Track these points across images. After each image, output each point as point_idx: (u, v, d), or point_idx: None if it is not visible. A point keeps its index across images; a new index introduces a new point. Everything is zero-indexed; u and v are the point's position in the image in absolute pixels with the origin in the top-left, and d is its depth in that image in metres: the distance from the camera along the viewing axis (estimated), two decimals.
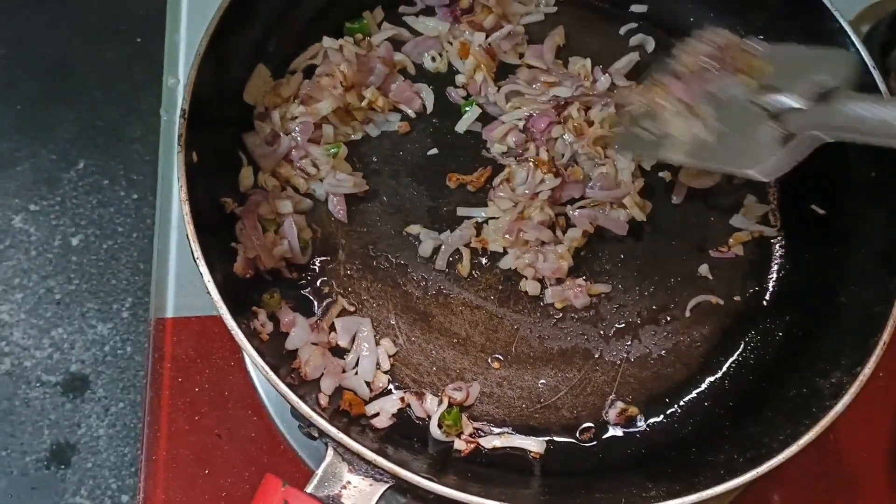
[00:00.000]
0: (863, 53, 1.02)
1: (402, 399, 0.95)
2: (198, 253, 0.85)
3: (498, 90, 1.10)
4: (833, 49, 1.02)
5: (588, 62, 1.13)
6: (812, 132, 0.88)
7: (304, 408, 0.81)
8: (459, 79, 1.12)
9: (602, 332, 1.03)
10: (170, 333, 1.08)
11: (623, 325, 1.03)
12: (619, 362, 1.02)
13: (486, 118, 1.10)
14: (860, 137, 0.85)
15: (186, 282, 1.11)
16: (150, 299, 1.14)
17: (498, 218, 1.03)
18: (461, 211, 1.05)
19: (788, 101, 0.90)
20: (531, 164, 1.03)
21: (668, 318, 1.04)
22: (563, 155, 1.06)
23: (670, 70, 0.99)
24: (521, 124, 1.08)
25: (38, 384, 1.15)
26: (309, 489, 0.79)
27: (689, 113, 0.96)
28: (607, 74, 1.12)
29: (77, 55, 1.35)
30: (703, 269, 1.06)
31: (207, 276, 0.85)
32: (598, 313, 1.04)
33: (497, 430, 0.97)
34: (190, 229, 0.86)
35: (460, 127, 1.10)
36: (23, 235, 1.23)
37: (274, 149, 1.02)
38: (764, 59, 0.97)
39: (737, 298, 1.06)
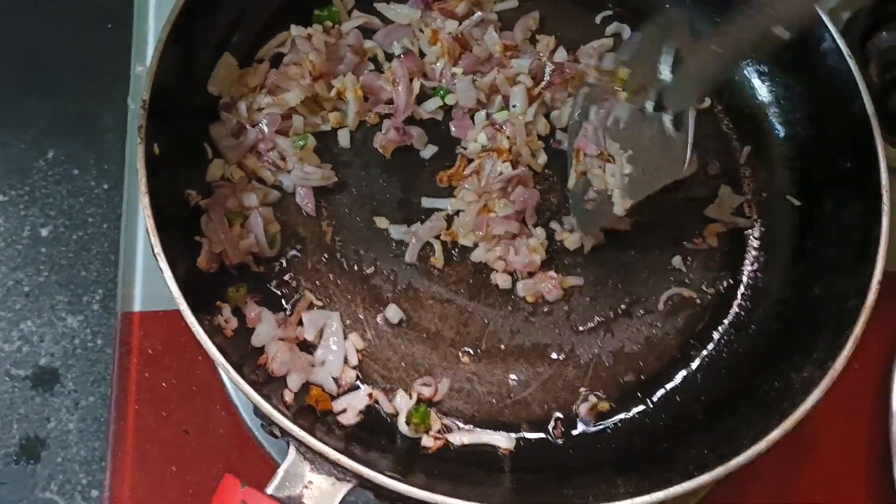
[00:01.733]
0: (837, 39, 1.00)
1: (371, 395, 0.94)
2: (158, 248, 0.84)
3: (462, 73, 1.08)
4: (659, 14, 1.04)
5: (552, 39, 1.12)
6: (684, 103, 0.94)
7: (266, 406, 0.80)
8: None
9: (573, 326, 1.02)
10: (137, 327, 1.07)
11: (595, 318, 1.02)
12: (590, 357, 1.01)
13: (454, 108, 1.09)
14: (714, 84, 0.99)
15: (154, 275, 1.07)
16: (117, 292, 1.13)
17: (464, 211, 1.02)
18: (426, 202, 1.04)
19: (654, 88, 0.97)
20: (494, 154, 1.02)
21: (641, 312, 1.03)
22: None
23: (574, 130, 1.03)
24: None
25: (6, 378, 1.14)
26: (269, 490, 0.78)
27: (604, 160, 0.99)
28: (562, 48, 1.11)
29: (51, 43, 1.32)
30: (677, 261, 1.05)
31: (168, 272, 0.84)
32: (570, 307, 1.02)
33: (466, 427, 0.96)
34: (150, 224, 0.84)
35: (424, 109, 1.08)
36: None
37: (240, 141, 1.00)
38: (620, 67, 1.02)
39: (710, 291, 1.05)
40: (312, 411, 0.91)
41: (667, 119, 0.96)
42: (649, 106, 0.98)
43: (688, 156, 0.95)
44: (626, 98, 1.00)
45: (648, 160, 0.97)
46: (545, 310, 1.02)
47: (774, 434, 0.84)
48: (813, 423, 1.06)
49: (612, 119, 1.00)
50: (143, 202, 0.85)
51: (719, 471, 0.83)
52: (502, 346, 1.00)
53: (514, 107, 1.07)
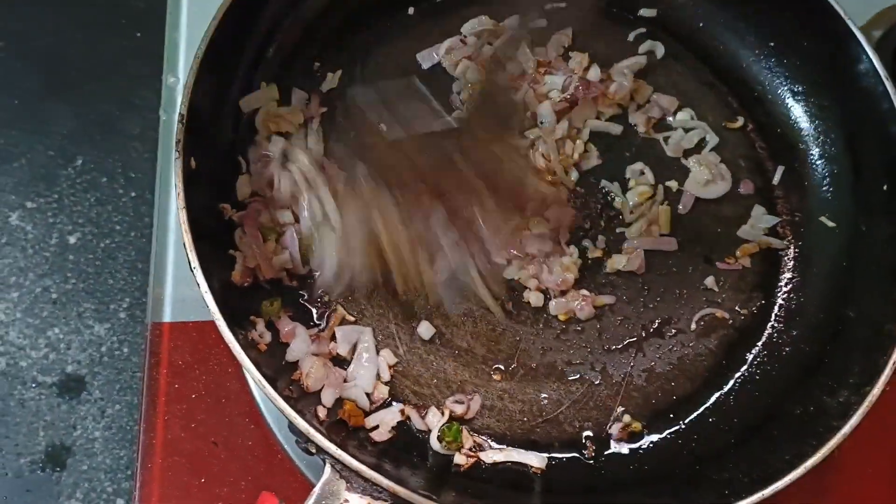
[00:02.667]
0: (873, 60, 1.00)
1: (402, 412, 0.93)
2: (195, 263, 0.84)
3: None
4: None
5: (586, 56, 1.12)
6: None
7: (303, 423, 0.80)
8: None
9: (605, 345, 1.01)
10: (167, 339, 1.06)
11: (627, 337, 1.02)
12: (622, 376, 1.00)
13: None
14: None
15: (184, 286, 1.09)
16: (147, 300, 1.13)
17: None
18: None
19: None
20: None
21: (673, 332, 1.02)
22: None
23: None
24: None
25: (33, 385, 1.14)
26: None
27: None
28: (596, 66, 1.11)
29: (76, 49, 1.32)
30: (710, 282, 1.05)
31: (205, 287, 0.83)
32: (602, 325, 1.02)
33: (497, 445, 0.95)
34: (187, 239, 0.84)
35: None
36: (19, 233, 1.21)
37: (270, 169, 1.00)
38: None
39: (743, 312, 1.04)
40: (345, 427, 0.91)
41: None
42: None
43: None
44: None
45: None
46: (577, 328, 1.02)
47: (812, 461, 0.84)
48: (841, 446, 1.06)
49: None
50: (182, 217, 0.84)
51: (755, 497, 0.83)
52: (534, 365, 1.00)
53: (541, 123, 1.07)
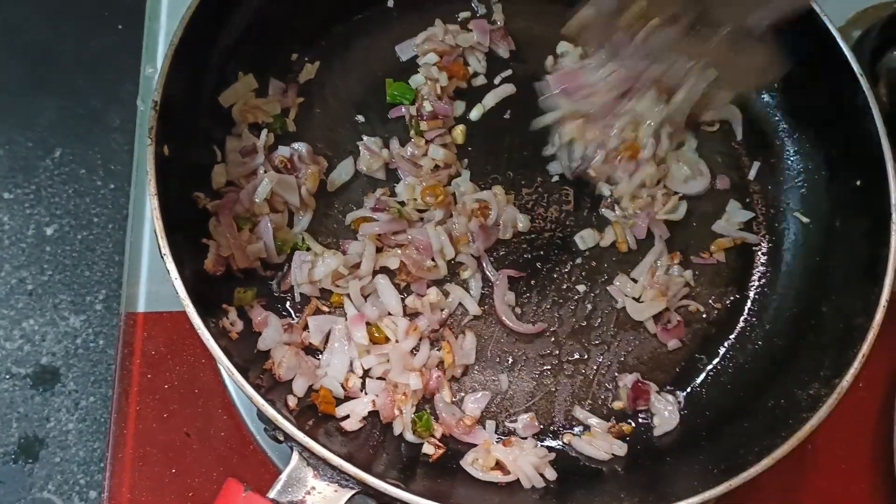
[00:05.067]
0: (849, 58, 1.00)
1: (374, 402, 0.93)
2: (165, 249, 0.83)
3: None
4: None
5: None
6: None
7: (270, 410, 0.80)
8: None
9: (581, 339, 1.01)
10: (141, 328, 1.06)
11: (601, 331, 1.02)
12: (595, 368, 1.00)
13: None
14: None
15: (159, 275, 1.08)
16: (122, 291, 1.12)
17: None
18: None
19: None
20: None
21: (645, 325, 1.03)
22: None
23: None
24: None
25: (7, 376, 1.13)
26: (271, 494, 0.77)
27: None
28: None
29: (61, 42, 1.32)
30: (687, 276, 1.05)
31: (175, 273, 0.83)
32: (576, 317, 1.02)
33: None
34: (158, 225, 0.84)
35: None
36: None
37: (246, 161, 1.00)
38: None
39: (717, 305, 1.05)
40: (315, 415, 0.91)
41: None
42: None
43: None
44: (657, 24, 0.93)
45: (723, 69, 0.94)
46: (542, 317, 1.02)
47: (780, 451, 0.84)
48: (816, 441, 1.07)
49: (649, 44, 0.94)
50: (153, 203, 0.84)
51: (723, 487, 0.83)
52: (503, 355, 1.00)
53: None
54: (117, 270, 1.18)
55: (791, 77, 1.08)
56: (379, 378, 0.96)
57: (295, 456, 0.80)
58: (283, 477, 0.79)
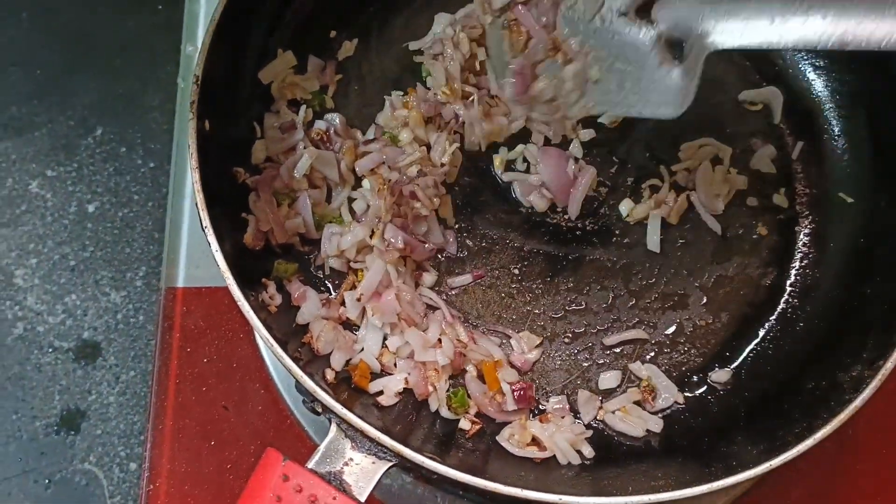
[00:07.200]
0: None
1: (406, 380, 0.93)
2: (206, 222, 0.84)
3: None
4: None
5: None
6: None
7: (309, 382, 0.80)
8: None
9: (615, 317, 1.01)
10: (180, 303, 1.07)
11: (638, 310, 1.01)
12: (633, 349, 1.00)
13: None
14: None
15: (198, 252, 1.10)
16: (161, 267, 1.14)
17: None
18: None
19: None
20: None
21: (686, 304, 1.02)
22: None
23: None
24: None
25: (50, 350, 1.15)
26: (310, 465, 0.78)
27: (560, 53, 0.88)
28: None
29: (99, 23, 1.34)
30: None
31: (215, 246, 0.84)
32: (615, 296, 1.02)
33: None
34: (199, 198, 0.85)
35: None
36: (39, 201, 1.23)
37: (285, 137, 1.00)
38: None
39: (761, 284, 1.03)
40: (352, 389, 0.91)
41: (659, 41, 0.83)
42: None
43: (689, 97, 0.83)
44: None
45: (628, 79, 0.84)
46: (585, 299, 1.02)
47: (822, 432, 0.82)
48: (857, 426, 1.05)
49: (574, 7, 0.85)
50: (194, 177, 0.85)
51: (763, 467, 0.81)
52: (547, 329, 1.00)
53: None
54: (157, 247, 1.20)
55: (836, 55, 1.07)
56: (408, 357, 0.96)
57: (333, 428, 0.80)
58: (322, 448, 0.79)
